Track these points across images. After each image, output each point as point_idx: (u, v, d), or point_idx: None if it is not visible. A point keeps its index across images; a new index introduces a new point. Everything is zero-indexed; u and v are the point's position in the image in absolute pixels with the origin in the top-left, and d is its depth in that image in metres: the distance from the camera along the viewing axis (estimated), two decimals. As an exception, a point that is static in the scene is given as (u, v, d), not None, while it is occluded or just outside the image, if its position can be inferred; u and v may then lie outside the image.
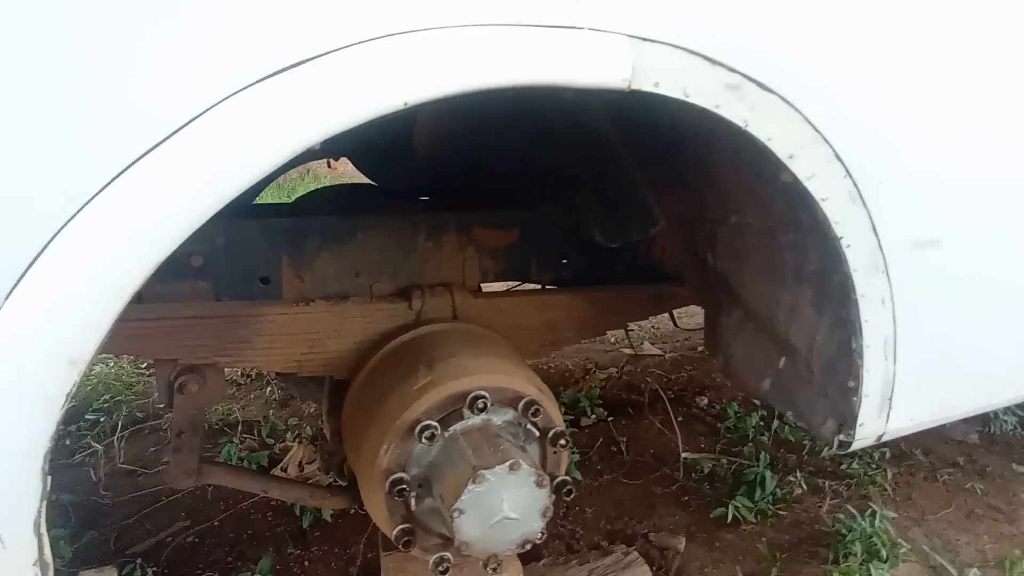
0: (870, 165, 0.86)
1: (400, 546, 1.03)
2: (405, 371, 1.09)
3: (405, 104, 0.57)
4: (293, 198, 1.98)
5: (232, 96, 0.54)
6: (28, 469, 0.58)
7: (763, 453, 1.91)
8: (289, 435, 2.11)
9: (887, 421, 1.06)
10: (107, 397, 2.33)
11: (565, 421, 2.16)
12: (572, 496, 1.11)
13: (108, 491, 1.86)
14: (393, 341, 1.17)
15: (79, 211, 0.54)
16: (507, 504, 0.98)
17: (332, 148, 1.09)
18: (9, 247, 0.54)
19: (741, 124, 0.75)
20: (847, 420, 1.05)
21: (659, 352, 2.84)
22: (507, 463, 0.96)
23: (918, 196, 0.94)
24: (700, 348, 2.62)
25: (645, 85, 0.67)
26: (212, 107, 0.54)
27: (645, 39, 0.65)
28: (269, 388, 2.44)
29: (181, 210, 0.57)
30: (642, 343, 2.90)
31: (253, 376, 2.55)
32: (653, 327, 3.08)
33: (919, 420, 1.11)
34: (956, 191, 0.99)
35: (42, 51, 0.52)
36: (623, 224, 1.36)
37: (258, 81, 0.55)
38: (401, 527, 1.03)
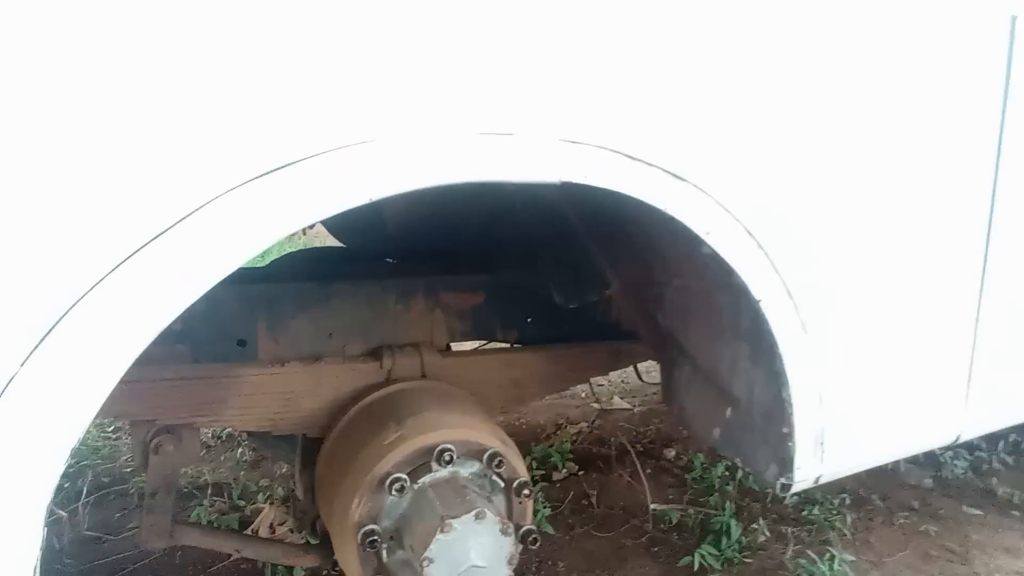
0: (780, 239, 1.00)
1: (371, 598, 1.07)
2: (376, 427, 1.16)
3: (370, 199, 0.69)
4: (268, 260, 2.07)
5: (212, 201, 0.64)
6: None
7: (728, 502, 1.98)
8: (260, 496, 2.11)
9: (822, 463, 1.15)
10: (72, 462, 2.29)
11: (537, 476, 2.23)
12: (538, 544, 1.16)
13: (72, 559, 1.83)
14: (365, 399, 1.24)
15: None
16: (474, 552, 1.04)
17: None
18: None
19: (661, 207, 0.88)
20: (786, 464, 1.14)
21: (628, 406, 2.92)
22: (473, 512, 1.03)
23: (828, 263, 1.08)
24: (667, 400, 2.71)
25: (575, 178, 0.80)
26: (191, 213, 0.64)
27: (574, 142, 0.79)
28: (240, 450, 2.44)
29: (168, 301, 0.66)
30: (612, 398, 2.98)
31: (223, 438, 2.55)
32: (623, 381, 3.17)
33: (854, 462, 1.21)
34: (865, 258, 1.13)
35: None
36: (580, 287, 1.48)
37: (241, 184, 0.65)
38: (373, 579, 1.07)
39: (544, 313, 1.58)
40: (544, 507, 1.99)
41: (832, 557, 1.67)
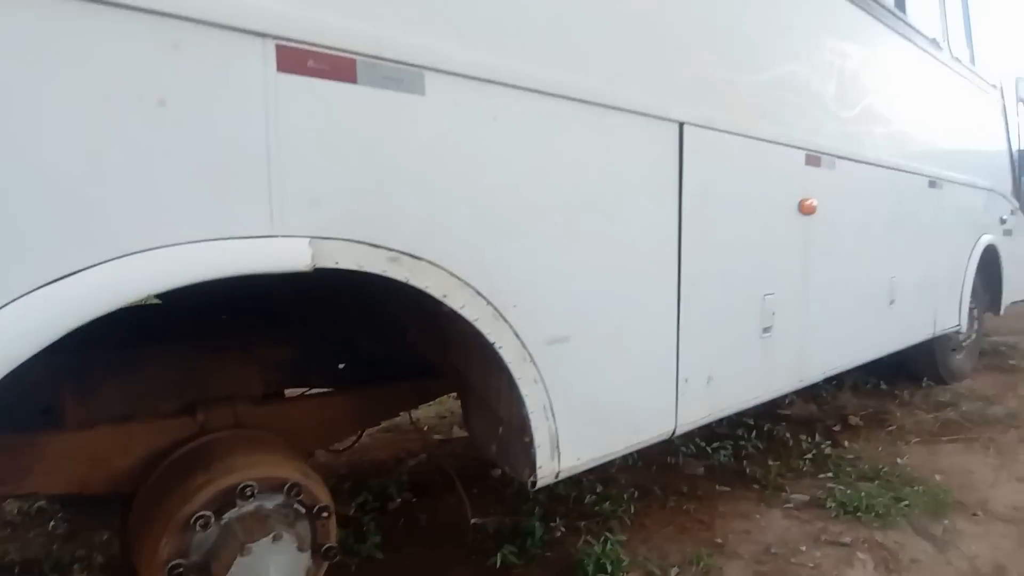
0: (504, 295, 1.35)
1: (181, 628, 1.22)
2: (185, 475, 1.32)
3: (155, 292, 0.91)
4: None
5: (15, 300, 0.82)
6: None
7: (537, 508, 2.33)
8: (77, 566, 2.06)
9: (559, 463, 1.52)
10: None
11: (375, 506, 2.41)
12: (337, 558, 1.39)
13: None
14: (175, 452, 1.39)
15: None
16: (273, 570, 1.24)
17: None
18: None
19: (404, 280, 1.19)
20: (533, 465, 1.49)
21: (465, 434, 3.21)
22: (271, 535, 1.24)
23: (545, 311, 1.46)
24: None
25: (327, 264, 1.08)
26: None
27: (324, 238, 1.07)
28: (52, 523, 2.34)
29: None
30: (452, 428, 3.27)
31: (32, 513, 2.41)
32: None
33: (584, 460, 1.59)
34: (573, 305, 1.53)
35: None
36: (381, 337, 1.75)
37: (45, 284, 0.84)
38: (181, 609, 1.22)
39: (354, 359, 1.83)
40: (375, 535, 2.18)
41: (606, 540, 2.07)
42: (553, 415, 1.49)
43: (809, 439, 3.17)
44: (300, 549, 1.28)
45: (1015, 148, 4.71)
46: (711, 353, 1.94)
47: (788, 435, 3.23)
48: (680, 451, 3.02)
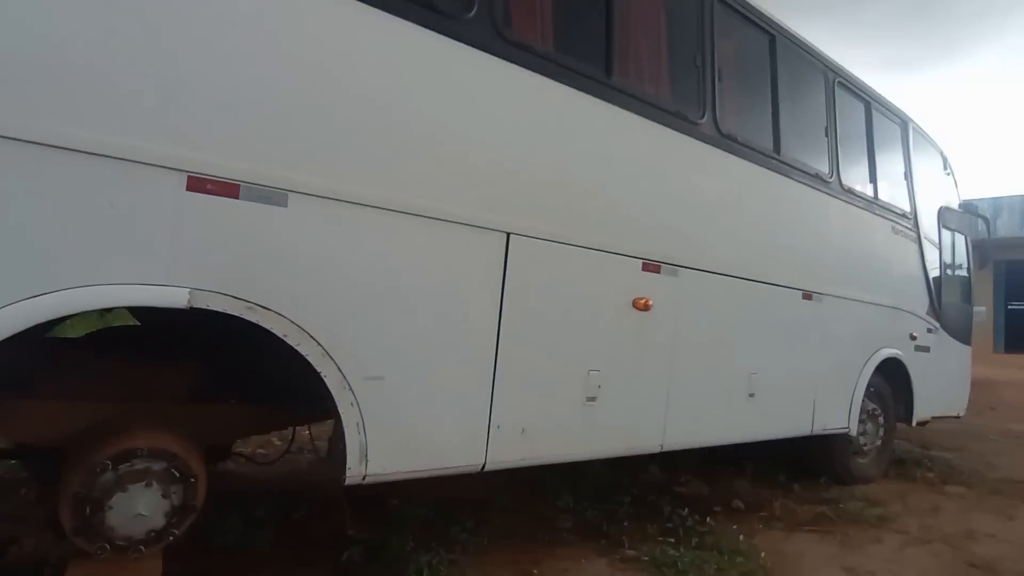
0: (330, 338, 1.98)
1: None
2: (101, 439, 1.95)
3: (105, 307, 1.59)
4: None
5: None
6: None
7: (407, 531, 2.84)
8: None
9: (366, 469, 2.08)
10: None
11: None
12: (192, 510, 1.97)
13: None
14: (103, 424, 2.03)
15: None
16: (140, 505, 1.84)
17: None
18: None
19: (255, 321, 1.84)
20: (344, 467, 2.06)
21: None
22: (143, 483, 1.85)
23: (363, 355, 2.07)
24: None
25: (200, 305, 1.75)
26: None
27: (201, 289, 1.74)
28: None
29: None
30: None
31: None
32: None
33: (389, 471, 2.14)
34: (391, 356, 2.14)
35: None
36: (262, 362, 2.39)
37: None
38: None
39: (258, 380, 2.46)
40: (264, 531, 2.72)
41: (439, 557, 2.56)
42: (365, 432, 2.07)
43: (682, 512, 3.55)
44: (163, 496, 1.88)
45: (934, 272, 5.17)
46: (527, 409, 2.49)
47: (668, 508, 3.61)
48: (556, 505, 3.47)
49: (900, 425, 5.05)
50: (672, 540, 3.12)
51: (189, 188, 1.75)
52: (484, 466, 2.40)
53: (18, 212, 1.53)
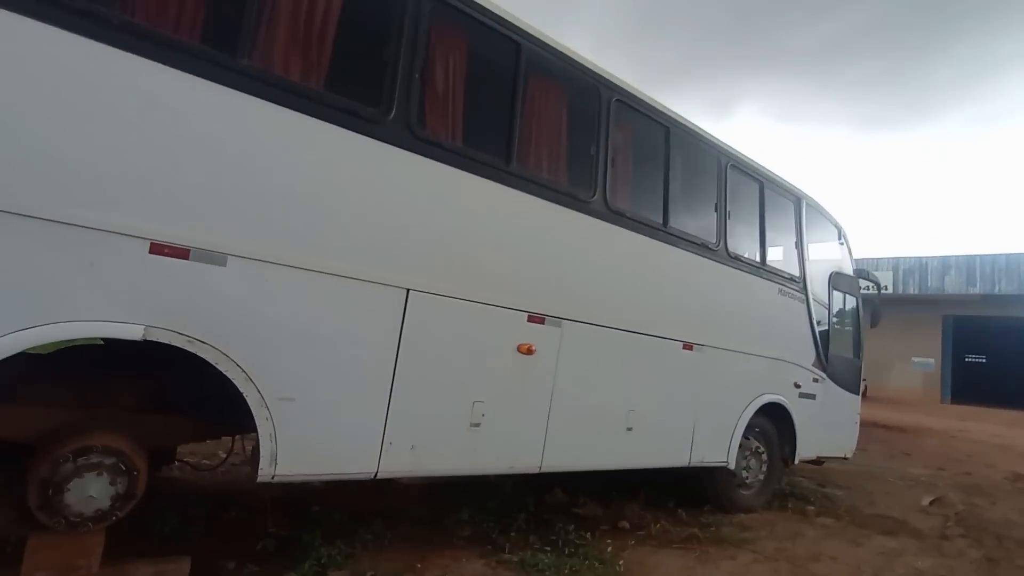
0: (253, 366, 2.59)
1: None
2: (67, 436, 2.52)
3: (78, 338, 2.19)
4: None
5: None
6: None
7: (318, 530, 3.39)
8: None
9: (275, 470, 2.67)
10: None
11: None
12: (131, 497, 2.53)
13: None
14: (69, 425, 2.60)
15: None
16: (92, 489, 2.40)
17: None
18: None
19: (195, 352, 2.45)
20: (258, 468, 2.64)
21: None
22: (95, 472, 2.42)
23: (278, 381, 2.68)
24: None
25: (152, 339, 2.35)
26: None
27: (152, 327, 2.35)
28: None
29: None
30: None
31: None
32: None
33: (295, 473, 2.72)
34: (302, 383, 2.75)
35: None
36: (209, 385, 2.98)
37: None
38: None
39: (202, 398, 3.04)
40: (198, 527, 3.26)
41: (337, 547, 3.11)
42: (276, 441, 2.66)
43: (569, 528, 4.12)
44: (111, 484, 2.44)
45: (823, 328, 5.91)
46: (416, 430, 3.09)
47: (560, 524, 4.18)
48: (458, 518, 4.03)
49: (803, 463, 5.72)
50: (548, 549, 3.70)
51: (152, 251, 2.37)
52: (376, 474, 2.98)
53: (17, 270, 2.14)
